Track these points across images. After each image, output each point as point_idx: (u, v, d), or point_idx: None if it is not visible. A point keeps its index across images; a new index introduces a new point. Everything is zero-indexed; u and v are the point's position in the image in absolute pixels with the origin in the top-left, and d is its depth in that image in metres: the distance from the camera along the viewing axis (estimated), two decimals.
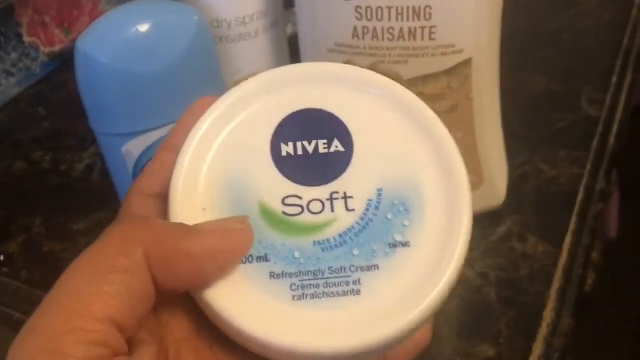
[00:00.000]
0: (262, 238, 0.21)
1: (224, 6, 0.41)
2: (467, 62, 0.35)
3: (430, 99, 0.27)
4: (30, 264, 0.43)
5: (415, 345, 0.23)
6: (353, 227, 0.22)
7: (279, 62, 0.45)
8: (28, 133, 0.55)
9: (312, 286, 0.21)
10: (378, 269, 0.21)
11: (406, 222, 0.22)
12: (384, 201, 0.22)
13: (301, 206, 0.22)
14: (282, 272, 0.21)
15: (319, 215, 0.22)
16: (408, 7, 0.33)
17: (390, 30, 0.34)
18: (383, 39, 0.34)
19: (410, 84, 0.35)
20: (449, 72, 0.35)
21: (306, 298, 0.21)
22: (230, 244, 0.21)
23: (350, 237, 0.22)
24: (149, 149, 0.36)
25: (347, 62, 0.36)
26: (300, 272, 0.21)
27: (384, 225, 0.22)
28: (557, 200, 0.44)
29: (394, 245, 0.21)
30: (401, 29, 0.34)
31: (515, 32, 0.47)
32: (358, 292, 0.21)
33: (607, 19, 0.62)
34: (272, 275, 0.21)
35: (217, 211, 0.22)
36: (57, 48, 0.63)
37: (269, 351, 0.20)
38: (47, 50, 0.62)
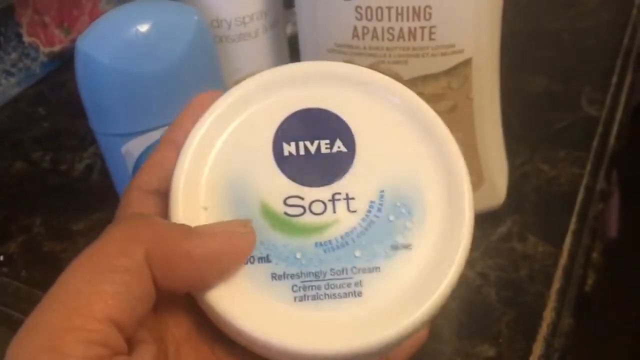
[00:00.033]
0: (263, 239, 0.21)
1: (223, 6, 0.41)
2: (467, 62, 0.35)
3: (430, 99, 0.27)
4: (30, 264, 0.43)
5: (413, 342, 0.23)
6: (355, 229, 0.22)
7: (279, 62, 0.45)
8: (28, 133, 0.55)
9: (313, 287, 0.21)
10: (379, 270, 0.21)
11: (408, 224, 0.22)
12: (387, 203, 0.22)
13: (303, 207, 0.22)
14: (284, 273, 0.21)
15: (321, 216, 0.22)
16: (408, 7, 0.33)
17: (390, 30, 0.34)
18: (383, 39, 0.34)
19: (410, 84, 0.35)
20: (449, 72, 0.35)
21: (307, 299, 0.21)
22: (232, 247, 0.21)
23: (352, 239, 0.22)
24: (148, 149, 0.36)
25: (347, 62, 0.36)
26: (301, 273, 0.21)
27: (386, 227, 0.22)
28: (557, 200, 0.44)
29: (395, 247, 0.21)
30: (401, 29, 0.34)
31: (515, 32, 0.47)
32: (359, 294, 0.21)
33: (607, 19, 0.62)
34: (274, 276, 0.21)
35: (218, 211, 0.22)
36: (57, 48, 0.62)
37: (269, 352, 0.20)
38: (47, 50, 0.62)
